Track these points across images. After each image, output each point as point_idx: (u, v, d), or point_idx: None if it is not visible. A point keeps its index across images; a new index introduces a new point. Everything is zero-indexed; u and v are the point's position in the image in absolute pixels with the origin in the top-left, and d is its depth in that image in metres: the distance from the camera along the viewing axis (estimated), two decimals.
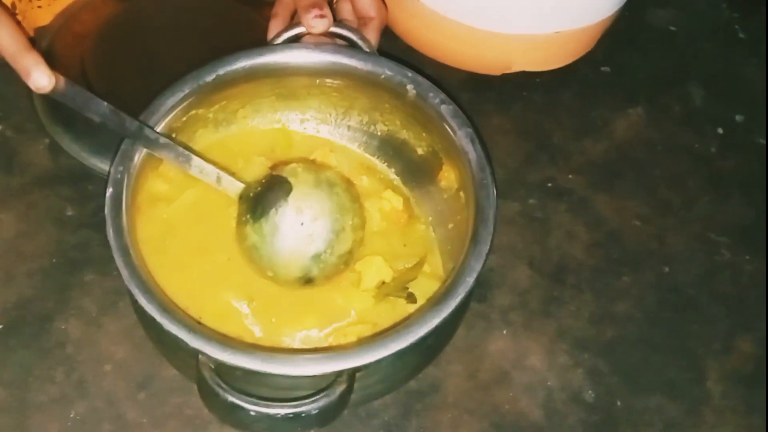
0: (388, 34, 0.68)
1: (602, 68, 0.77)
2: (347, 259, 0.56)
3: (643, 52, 0.80)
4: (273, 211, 0.55)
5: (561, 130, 0.74)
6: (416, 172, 0.62)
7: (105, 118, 0.53)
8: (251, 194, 0.56)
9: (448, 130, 0.56)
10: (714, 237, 0.69)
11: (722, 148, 0.74)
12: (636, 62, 0.79)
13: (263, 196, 0.55)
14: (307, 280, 0.56)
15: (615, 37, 0.75)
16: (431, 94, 0.57)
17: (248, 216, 0.55)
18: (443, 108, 0.57)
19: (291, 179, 0.55)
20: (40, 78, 0.50)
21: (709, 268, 0.68)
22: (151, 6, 0.73)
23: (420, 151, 0.61)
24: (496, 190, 0.54)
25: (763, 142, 0.75)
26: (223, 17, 0.73)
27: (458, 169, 0.57)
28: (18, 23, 0.53)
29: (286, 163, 0.58)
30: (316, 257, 0.55)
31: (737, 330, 0.65)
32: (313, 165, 0.60)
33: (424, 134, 0.60)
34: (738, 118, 0.76)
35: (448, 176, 0.59)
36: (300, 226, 0.55)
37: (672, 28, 0.82)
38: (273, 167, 0.59)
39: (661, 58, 0.80)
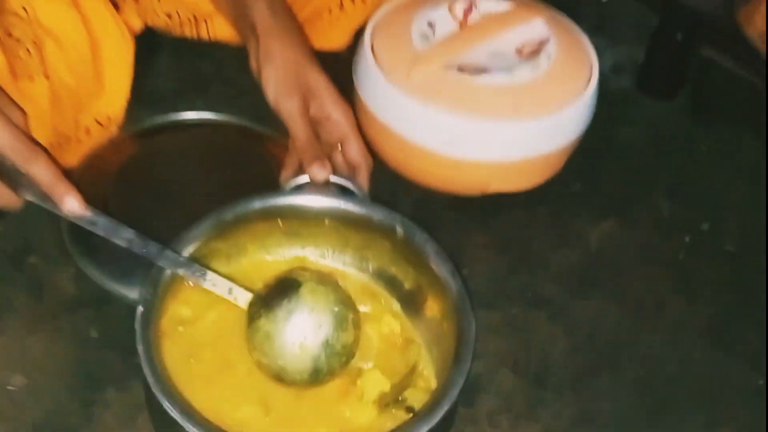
0: (377, 161, 0.74)
1: (574, 184, 0.81)
2: (348, 354, 0.61)
3: (611, 167, 0.83)
4: (286, 301, 0.60)
5: (539, 242, 0.78)
6: (407, 303, 0.67)
7: (130, 242, 0.59)
8: (262, 295, 0.61)
9: (432, 265, 0.63)
10: (686, 337, 0.72)
11: (690, 254, 0.78)
12: (605, 177, 0.83)
13: (274, 292, 0.61)
14: (316, 373, 0.60)
15: (584, 154, 0.78)
16: (417, 234, 0.64)
17: (261, 310, 0.60)
18: (428, 246, 0.63)
19: (298, 278, 0.61)
20: (73, 205, 0.58)
21: (683, 367, 0.71)
22: (168, 144, 0.79)
23: (407, 285, 0.66)
24: (475, 318, 0.60)
25: (729, 249, 0.78)
26: (233, 153, 0.79)
27: (442, 300, 0.63)
28: (52, 157, 0.60)
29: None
30: (325, 344, 0.60)
31: (714, 425, 0.67)
32: (315, 270, 0.65)
33: (410, 269, 0.66)
34: (704, 226, 0.80)
35: (432, 307, 0.64)
36: (311, 315, 0.60)
37: (637, 144, 0.86)
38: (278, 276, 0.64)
39: (628, 172, 0.83)
